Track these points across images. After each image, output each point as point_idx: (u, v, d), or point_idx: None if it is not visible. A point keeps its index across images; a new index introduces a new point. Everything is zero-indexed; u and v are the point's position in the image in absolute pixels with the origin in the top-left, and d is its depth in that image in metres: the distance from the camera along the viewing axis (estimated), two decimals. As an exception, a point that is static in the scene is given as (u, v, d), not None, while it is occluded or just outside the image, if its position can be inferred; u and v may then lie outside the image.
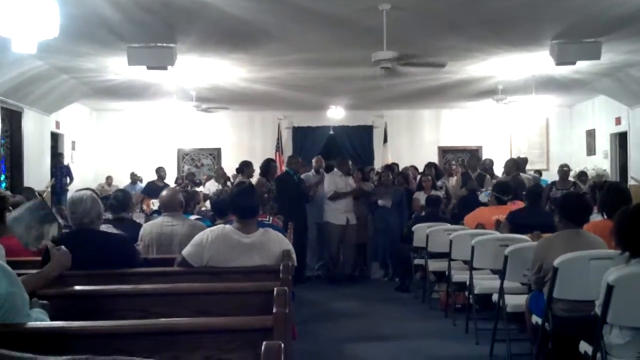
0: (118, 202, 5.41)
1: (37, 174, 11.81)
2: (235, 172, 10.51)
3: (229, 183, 11.46)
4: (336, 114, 14.83)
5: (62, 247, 3.44)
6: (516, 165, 9.76)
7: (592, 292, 3.62)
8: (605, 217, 4.87)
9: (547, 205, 8.35)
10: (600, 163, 13.92)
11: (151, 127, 15.90)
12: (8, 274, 2.35)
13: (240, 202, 3.94)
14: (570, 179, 10.30)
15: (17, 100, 10.79)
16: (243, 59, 9.55)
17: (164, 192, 5.39)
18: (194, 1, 6.46)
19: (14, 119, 11.09)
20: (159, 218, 5.16)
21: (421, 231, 7.24)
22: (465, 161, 13.16)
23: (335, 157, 10.45)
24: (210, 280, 3.53)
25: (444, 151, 16.48)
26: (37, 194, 7.97)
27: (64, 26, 4.53)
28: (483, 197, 8.10)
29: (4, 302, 2.31)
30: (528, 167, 12.48)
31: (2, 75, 9.53)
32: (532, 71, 10.63)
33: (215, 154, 16.50)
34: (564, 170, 9.87)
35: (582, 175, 11.71)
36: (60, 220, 8.62)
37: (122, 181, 14.39)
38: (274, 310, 2.47)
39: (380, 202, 9.05)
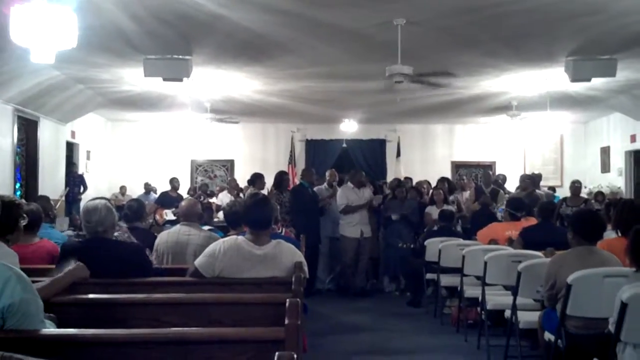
0: (132, 211, 5.45)
1: (51, 182, 11.90)
2: (246, 184, 10.54)
3: (241, 194, 11.49)
4: (349, 128, 14.87)
5: (79, 262, 3.46)
6: (532, 181, 9.71)
7: (605, 310, 3.60)
8: (619, 234, 4.85)
9: (557, 221, 8.29)
10: (615, 180, 13.84)
11: (165, 138, 16.01)
12: (23, 280, 2.37)
13: (254, 213, 3.93)
14: (583, 195, 10.21)
15: (33, 110, 10.90)
16: (258, 72, 9.61)
17: (184, 202, 5.44)
18: (210, 14, 6.51)
19: (30, 128, 11.20)
20: (177, 226, 5.17)
21: (434, 246, 7.22)
22: (479, 176, 13.16)
23: (348, 171, 10.44)
24: (222, 291, 3.53)
25: (457, 166, 16.45)
26: (51, 202, 8.02)
27: (82, 37, 4.57)
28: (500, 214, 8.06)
29: (18, 308, 2.33)
30: (542, 183, 12.43)
31: (20, 85, 9.64)
32: (547, 87, 10.60)
33: (228, 166, 16.56)
34: (575, 186, 9.75)
35: (598, 195, 11.59)
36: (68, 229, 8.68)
37: (135, 191, 14.46)
38: (286, 321, 2.46)
39: (393, 216, 9.03)
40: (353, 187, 9.25)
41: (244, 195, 10.63)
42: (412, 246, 8.17)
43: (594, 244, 4.33)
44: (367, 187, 9.51)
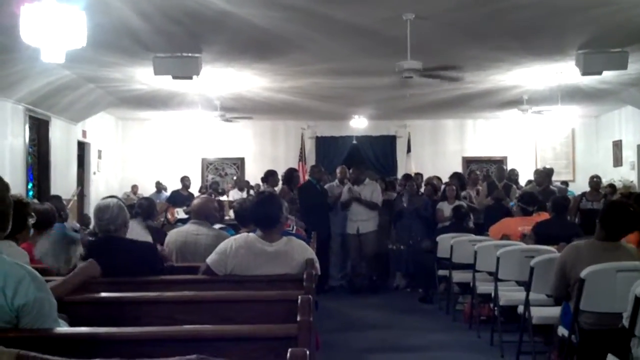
0: (143, 210, 5.47)
1: (63, 182, 11.96)
2: (260, 181, 10.56)
3: (252, 192, 11.51)
4: (359, 124, 14.83)
5: (90, 259, 3.48)
6: (547, 176, 9.65)
7: (619, 305, 3.57)
8: (633, 228, 4.78)
9: (576, 216, 8.22)
10: (627, 174, 13.74)
11: (176, 137, 16.06)
12: (36, 279, 2.37)
13: (260, 211, 3.95)
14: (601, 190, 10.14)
15: (44, 110, 10.96)
16: (267, 69, 9.61)
17: (197, 199, 5.40)
18: (219, 12, 6.51)
19: (41, 127, 11.26)
20: (185, 226, 5.17)
21: (445, 242, 7.20)
22: (491, 171, 13.07)
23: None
24: (234, 289, 3.54)
25: (468, 161, 16.38)
26: (63, 201, 8.07)
27: (91, 36, 4.59)
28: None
29: (32, 307, 2.33)
30: (554, 178, 12.35)
31: (30, 85, 9.68)
32: (558, 81, 10.53)
33: (238, 164, 16.58)
34: (594, 181, 9.69)
35: (608, 187, 11.49)
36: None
37: (147, 190, 14.52)
38: (298, 318, 2.46)
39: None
40: (352, 184, 9.19)
41: (255, 192, 10.65)
42: (420, 241, 8.14)
43: (616, 241, 4.20)
44: (371, 184, 9.35)
